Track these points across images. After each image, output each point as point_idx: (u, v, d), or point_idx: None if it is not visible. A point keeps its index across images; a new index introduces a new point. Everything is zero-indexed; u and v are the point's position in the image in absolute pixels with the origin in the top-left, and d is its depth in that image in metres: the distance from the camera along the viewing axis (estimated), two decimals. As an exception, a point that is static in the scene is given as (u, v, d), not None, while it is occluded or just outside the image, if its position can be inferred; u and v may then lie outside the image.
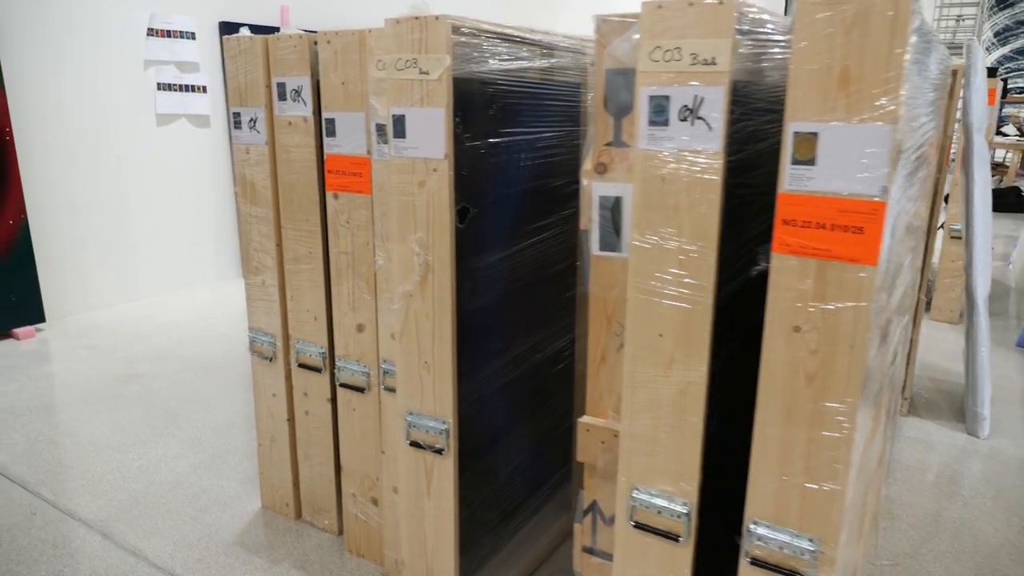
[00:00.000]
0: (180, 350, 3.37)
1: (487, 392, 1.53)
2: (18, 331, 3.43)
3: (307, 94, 1.68)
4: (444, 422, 1.43)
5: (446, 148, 1.30)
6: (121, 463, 2.33)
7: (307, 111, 1.69)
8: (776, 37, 1.07)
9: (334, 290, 1.73)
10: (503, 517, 1.66)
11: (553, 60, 1.55)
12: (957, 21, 12.80)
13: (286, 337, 1.89)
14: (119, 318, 3.83)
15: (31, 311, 3.49)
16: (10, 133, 3.35)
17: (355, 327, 1.72)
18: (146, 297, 4.20)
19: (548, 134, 1.59)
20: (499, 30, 1.38)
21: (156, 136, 4.06)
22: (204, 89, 4.19)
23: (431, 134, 1.31)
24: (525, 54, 1.46)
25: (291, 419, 1.95)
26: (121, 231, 3.99)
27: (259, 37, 1.73)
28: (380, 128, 1.53)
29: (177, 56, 4.04)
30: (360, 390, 1.74)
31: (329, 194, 1.68)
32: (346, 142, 1.62)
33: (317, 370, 1.84)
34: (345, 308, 1.72)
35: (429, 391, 1.44)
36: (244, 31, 1.78)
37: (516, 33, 1.43)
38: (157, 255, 4.18)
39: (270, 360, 1.92)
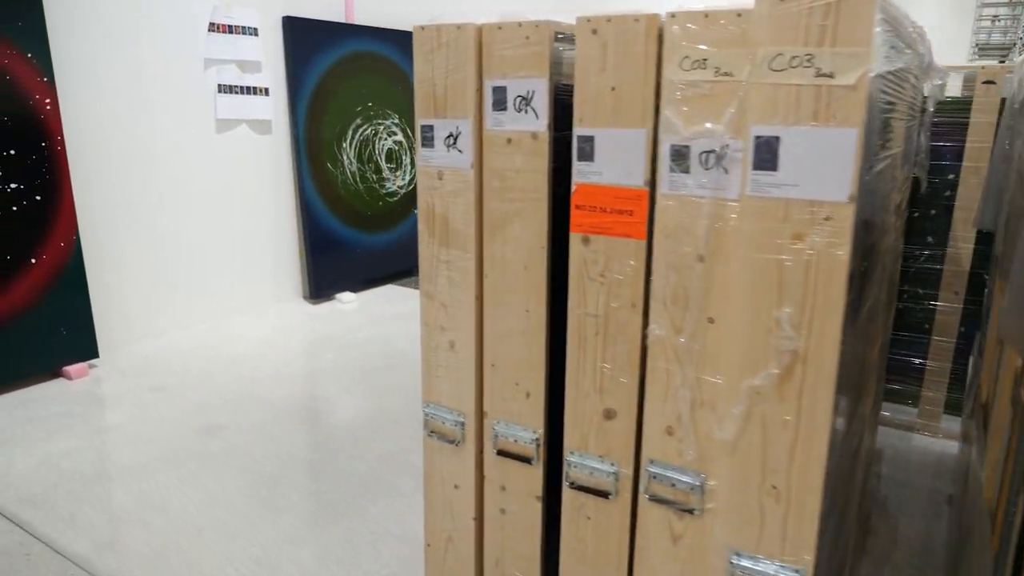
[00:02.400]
0: (258, 391, 2.93)
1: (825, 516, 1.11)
2: (69, 369, 2.99)
3: (541, 102, 1.26)
4: (798, 571, 1.01)
5: (852, 187, 0.88)
6: (230, 552, 1.89)
7: (539, 125, 1.27)
8: None
9: (570, 362, 1.31)
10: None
11: (907, 58, 1.14)
12: (992, 22, 12.47)
13: (480, 415, 1.47)
14: (177, 350, 3.39)
15: (84, 346, 3.05)
16: (62, 143, 2.91)
17: (601, 413, 1.29)
18: (200, 323, 3.75)
19: (892, 152, 1.18)
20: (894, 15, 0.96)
21: (215, 144, 3.61)
22: (266, 91, 3.74)
23: (828, 166, 0.89)
24: (898, 50, 1.04)
25: (478, 517, 1.52)
26: (174, 249, 3.54)
27: (469, 25, 1.30)
28: (677, 152, 1.11)
29: (239, 55, 3.59)
30: (604, 495, 1.32)
31: (574, 236, 1.25)
32: (610, 168, 1.19)
33: (526, 460, 1.42)
34: (587, 387, 1.30)
35: (776, 527, 1.01)
36: (440, 20, 1.36)
37: (904, 21, 1.01)
38: (212, 276, 3.74)
39: (455, 444, 1.49)
